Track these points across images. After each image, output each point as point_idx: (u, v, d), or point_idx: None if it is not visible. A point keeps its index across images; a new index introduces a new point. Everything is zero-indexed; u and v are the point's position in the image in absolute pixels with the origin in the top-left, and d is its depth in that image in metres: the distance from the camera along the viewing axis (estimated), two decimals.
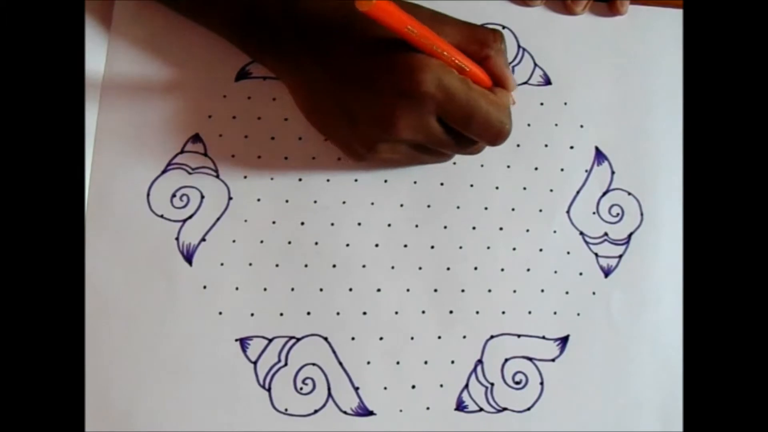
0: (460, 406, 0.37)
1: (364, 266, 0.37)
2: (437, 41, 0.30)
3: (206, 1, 0.35)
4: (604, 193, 0.40)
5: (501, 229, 0.38)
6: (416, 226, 0.38)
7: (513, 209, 0.39)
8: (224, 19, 0.35)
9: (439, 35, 0.31)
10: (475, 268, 0.38)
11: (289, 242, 0.37)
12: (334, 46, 0.32)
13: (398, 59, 0.30)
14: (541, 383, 0.37)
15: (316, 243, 0.37)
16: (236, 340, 0.36)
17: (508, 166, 0.39)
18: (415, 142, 0.33)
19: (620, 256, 0.39)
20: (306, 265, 0.37)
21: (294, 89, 0.36)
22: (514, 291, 0.38)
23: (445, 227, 0.38)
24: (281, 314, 0.37)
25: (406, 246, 0.38)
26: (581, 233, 0.39)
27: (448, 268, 0.38)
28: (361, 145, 0.34)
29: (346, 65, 0.32)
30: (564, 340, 0.38)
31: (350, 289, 0.37)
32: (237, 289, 0.37)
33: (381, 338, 0.37)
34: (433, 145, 0.33)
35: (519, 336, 0.38)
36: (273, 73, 0.37)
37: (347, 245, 0.37)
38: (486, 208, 0.39)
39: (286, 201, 0.38)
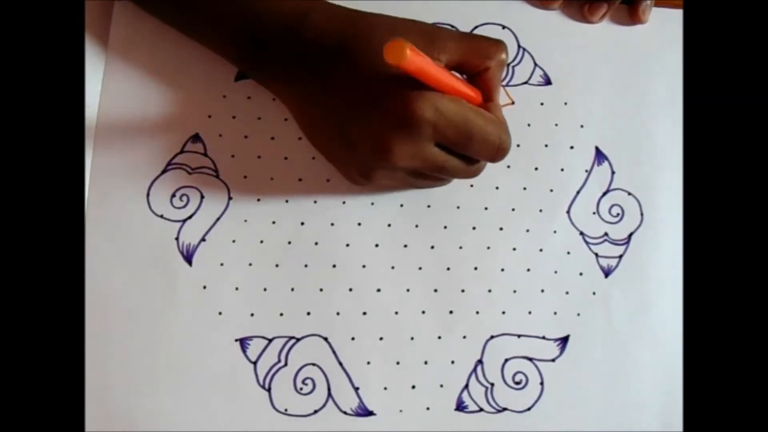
0: (460, 407, 0.37)
1: (364, 266, 0.37)
2: (436, 73, 0.29)
3: (201, 18, 0.35)
4: (605, 193, 0.40)
5: (501, 229, 0.38)
6: (416, 226, 0.38)
7: (513, 209, 0.39)
8: (221, 37, 0.35)
9: (441, 51, 0.31)
10: (475, 268, 0.38)
11: (289, 242, 0.37)
12: (334, 72, 0.32)
13: (394, 87, 0.30)
14: (541, 383, 0.37)
15: (316, 243, 0.37)
16: (236, 340, 0.36)
17: (508, 166, 0.39)
18: (412, 169, 0.33)
19: (620, 256, 0.39)
20: (306, 265, 0.37)
21: (295, 112, 0.36)
22: (514, 291, 0.38)
23: (445, 227, 0.38)
24: (281, 314, 0.37)
25: (406, 246, 0.38)
26: (581, 233, 0.39)
27: (448, 268, 0.38)
28: (358, 172, 0.34)
29: (345, 91, 0.32)
30: (564, 340, 0.38)
31: (350, 289, 0.37)
32: (237, 289, 0.37)
33: (381, 338, 0.37)
34: (431, 171, 0.33)
35: (519, 336, 0.38)
36: (273, 93, 0.37)
37: (347, 245, 0.37)
38: (486, 208, 0.39)
39: (286, 201, 0.38)
